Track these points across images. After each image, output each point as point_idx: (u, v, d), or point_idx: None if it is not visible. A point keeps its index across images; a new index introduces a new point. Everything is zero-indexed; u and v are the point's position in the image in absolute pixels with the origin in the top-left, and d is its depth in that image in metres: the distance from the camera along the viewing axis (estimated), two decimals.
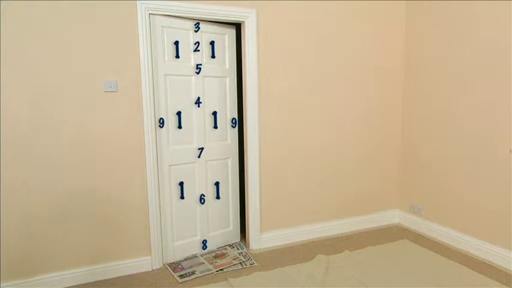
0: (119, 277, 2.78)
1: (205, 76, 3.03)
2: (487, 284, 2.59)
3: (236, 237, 3.38)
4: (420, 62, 3.49)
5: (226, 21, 2.96)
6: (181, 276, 2.76)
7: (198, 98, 3.01)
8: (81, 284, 2.68)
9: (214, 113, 3.11)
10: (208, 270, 2.84)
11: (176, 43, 2.86)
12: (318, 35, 3.26)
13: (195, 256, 3.09)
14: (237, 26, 3.62)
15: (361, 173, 3.64)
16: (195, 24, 2.93)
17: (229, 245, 3.30)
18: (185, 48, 2.91)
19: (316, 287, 2.56)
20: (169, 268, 2.90)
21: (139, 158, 2.77)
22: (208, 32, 3.00)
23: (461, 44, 3.08)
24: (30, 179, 2.49)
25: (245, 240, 3.36)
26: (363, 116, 3.56)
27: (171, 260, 3.00)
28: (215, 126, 3.13)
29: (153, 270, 2.88)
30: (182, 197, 3.02)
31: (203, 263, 2.96)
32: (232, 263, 2.96)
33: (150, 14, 2.70)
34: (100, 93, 2.61)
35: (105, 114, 2.64)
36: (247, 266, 2.93)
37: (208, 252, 3.16)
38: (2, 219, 2.45)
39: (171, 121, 2.91)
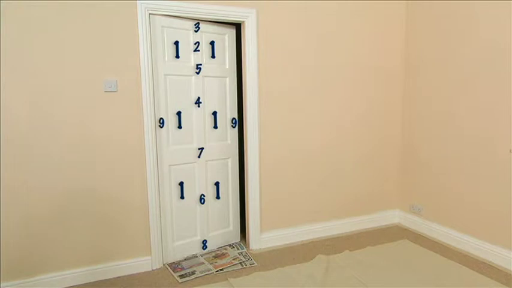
0: (119, 277, 2.78)
1: (205, 76, 3.03)
2: (487, 284, 2.59)
3: (236, 237, 3.38)
4: (420, 62, 3.49)
5: (226, 21, 2.96)
6: (181, 276, 2.76)
7: (198, 98, 3.01)
8: (81, 284, 2.68)
9: (214, 113, 3.11)
10: (208, 270, 2.84)
11: (176, 43, 2.86)
12: (318, 35, 3.26)
13: (195, 256, 3.09)
14: (237, 26, 3.62)
15: (361, 173, 3.64)
16: (195, 24, 2.93)
17: (229, 245, 3.30)
18: (185, 48, 2.91)
19: (316, 287, 2.56)
20: (169, 268, 2.90)
21: (139, 158, 2.77)
22: (208, 32, 3.00)
23: (461, 44, 3.08)
24: (30, 179, 2.49)
25: (245, 240, 3.36)
26: (363, 116, 3.56)
27: (171, 260, 3.00)
28: (215, 126, 3.13)
29: (153, 270, 2.88)
30: (182, 197, 3.02)
31: (203, 263, 2.96)
32: (232, 263, 2.96)
33: (150, 14, 2.70)
34: (100, 93, 2.61)
35: (105, 114, 2.64)
36: (247, 266, 2.93)
37: (208, 252, 3.16)
38: (2, 219, 2.45)
39: (171, 121, 2.91)
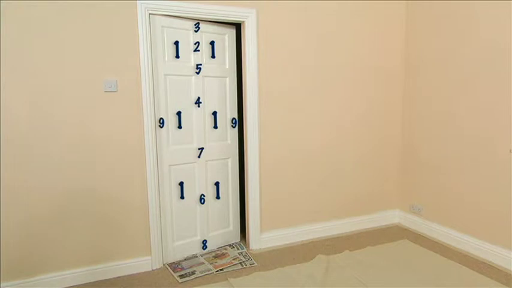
0: (119, 277, 2.78)
1: (205, 76, 3.03)
2: (487, 284, 2.59)
3: (236, 237, 3.38)
4: (420, 62, 3.49)
5: (226, 21, 2.96)
6: (181, 276, 2.76)
7: (198, 98, 3.01)
8: (81, 284, 2.68)
9: (214, 113, 3.11)
10: (208, 270, 2.84)
11: (176, 43, 2.86)
12: (318, 35, 3.26)
13: (195, 256, 3.09)
14: (237, 26, 3.62)
15: (361, 173, 3.64)
16: (195, 24, 2.93)
17: (229, 245, 3.30)
18: (185, 48, 2.91)
19: (316, 287, 2.56)
20: (169, 268, 2.90)
21: (139, 158, 2.77)
22: (208, 32, 3.00)
23: (461, 44, 3.08)
24: (30, 179, 2.49)
25: (245, 240, 3.36)
26: (363, 116, 3.56)
27: (171, 260, 3.00)
28: (215, 126, 3.13)
29: (153, 270, 2.88)
30: (182, 197, 3.02)
31: (203, 263, 2.96)
32: (232, 263, 2.96)
33: (150, 14, 2.70)
34: (100, 93, 2.61)
35: (105, 114, 2.64)
36: (247, 266, 2.93)
37: (208, 252, 3.16)
38: (2, 219, 2.45)
39: (171, 121, 2.91)
